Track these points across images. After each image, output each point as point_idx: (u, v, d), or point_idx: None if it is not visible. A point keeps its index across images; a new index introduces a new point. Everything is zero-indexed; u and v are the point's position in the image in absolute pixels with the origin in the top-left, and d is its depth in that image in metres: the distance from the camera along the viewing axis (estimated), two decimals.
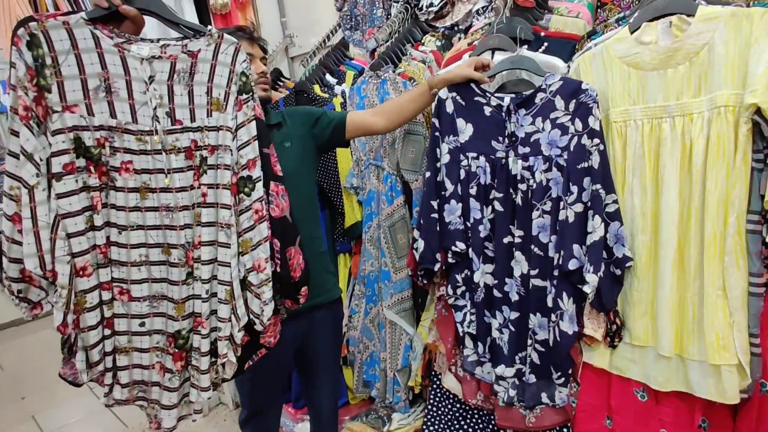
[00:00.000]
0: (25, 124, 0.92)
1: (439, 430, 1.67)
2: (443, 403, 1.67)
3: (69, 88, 0.96)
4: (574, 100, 1.25)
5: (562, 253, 1.25)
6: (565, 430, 1.38)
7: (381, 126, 1.49)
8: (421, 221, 1.44)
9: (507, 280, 1.37)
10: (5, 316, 4.43)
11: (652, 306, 1.22)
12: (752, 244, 1.07)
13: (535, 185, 1.29)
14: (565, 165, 1.26)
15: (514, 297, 1.37)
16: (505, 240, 1.36)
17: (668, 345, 1.17)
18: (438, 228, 1.42)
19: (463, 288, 1.44)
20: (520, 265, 1.34)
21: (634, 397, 1.27)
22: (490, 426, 1.55)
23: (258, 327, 1.13)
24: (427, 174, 1.44)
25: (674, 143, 1.14)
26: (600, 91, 1.26)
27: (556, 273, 1.28)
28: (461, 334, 1.46)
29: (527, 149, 1.31)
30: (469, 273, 1.42)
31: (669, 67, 1.15)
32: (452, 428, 1.65)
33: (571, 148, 1.25)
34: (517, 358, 1.39)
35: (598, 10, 1.56)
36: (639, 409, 1.26)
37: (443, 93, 1.41)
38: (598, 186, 1.21)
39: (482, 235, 1.39)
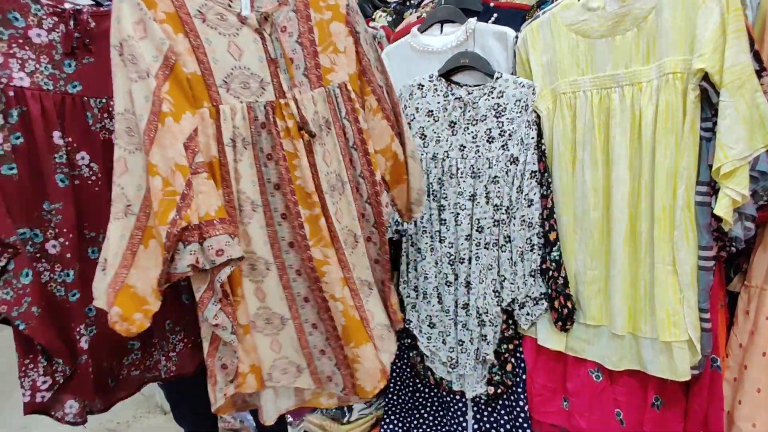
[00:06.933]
0: None
1: (401, 417, 1.63)
2: (404, 391, 1.63)
3: None
4: None
5: None
6: (522, 414, 1.35)
7: None
8: None
9: None
10: None
11: (606, 284, 1.18)
12: (701, 216, 1.03)
13: None
14: None
15: None
16: None
17: (621, 323, 1.14)
18: None
19: None
20: None
21: (590, 378, 1.23)
22: (452, 409, 1.51)
23: None
24: None
25: (623, 114, 1.09)
26: (548, 61, 1.20)
27: None
28: None
29: None
30: None
31: (617, 34, 1.09)
32: (413, 414, 1.61)
33: None
34: None
35: None
36: (595, 389, 1.23)
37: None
38: None
39: None
